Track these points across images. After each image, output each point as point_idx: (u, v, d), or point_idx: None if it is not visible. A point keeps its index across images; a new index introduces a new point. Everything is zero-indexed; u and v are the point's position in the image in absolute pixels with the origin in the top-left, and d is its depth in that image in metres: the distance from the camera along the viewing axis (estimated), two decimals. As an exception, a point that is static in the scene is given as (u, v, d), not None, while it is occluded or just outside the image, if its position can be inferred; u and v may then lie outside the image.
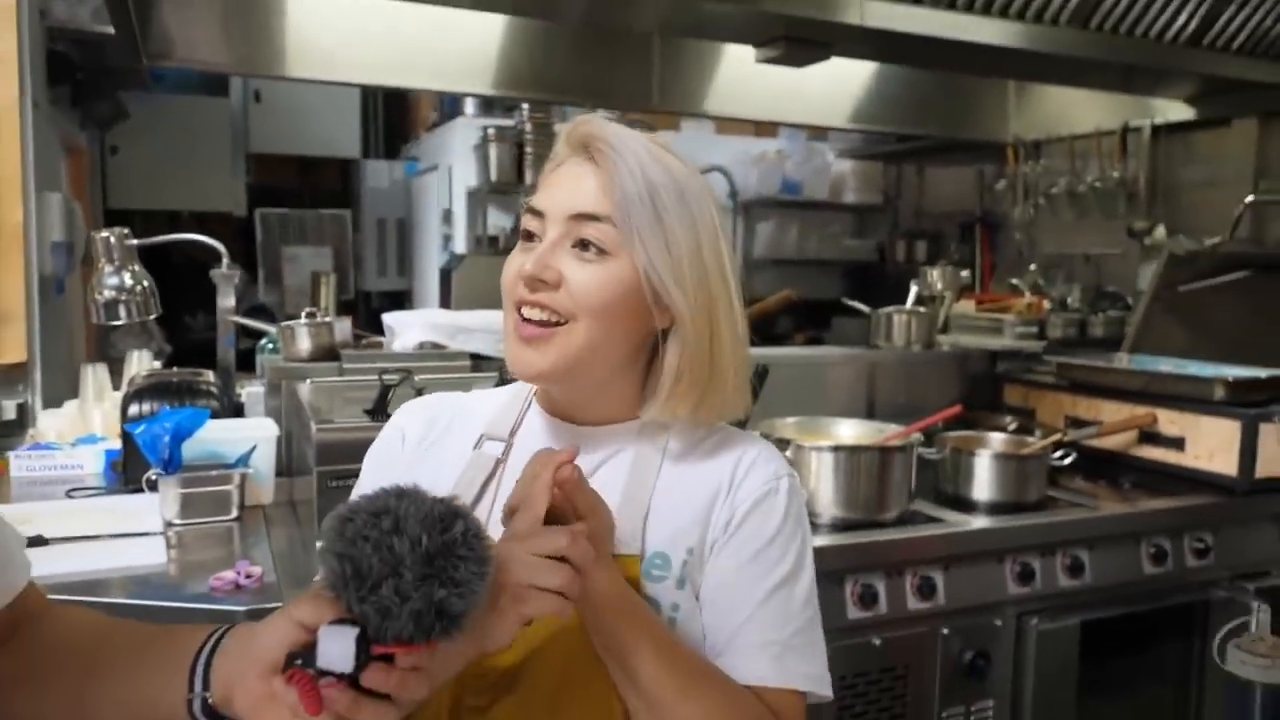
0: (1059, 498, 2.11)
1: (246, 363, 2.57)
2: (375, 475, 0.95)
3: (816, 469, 1.86)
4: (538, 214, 0.86)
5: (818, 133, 5.12)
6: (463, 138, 4.59)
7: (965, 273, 3.68)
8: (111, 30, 3.29)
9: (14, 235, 3.16)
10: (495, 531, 0.82)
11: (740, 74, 3.13)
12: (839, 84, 3.37)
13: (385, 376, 1.70)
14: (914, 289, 3.07)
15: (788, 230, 5.26)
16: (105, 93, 4.32)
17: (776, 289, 4.73)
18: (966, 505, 2.02)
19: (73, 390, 2.51)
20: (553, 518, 0.76)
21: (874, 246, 5.42)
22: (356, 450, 1.02)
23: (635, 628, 0.80)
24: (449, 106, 4.75)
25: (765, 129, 5.14)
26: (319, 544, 0.67)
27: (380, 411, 1.68)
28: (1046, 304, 3.15)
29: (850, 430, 2.07)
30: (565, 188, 0.86)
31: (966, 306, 3.18)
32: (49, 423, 2.22)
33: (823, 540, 1.77)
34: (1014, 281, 3.42)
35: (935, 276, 3.17)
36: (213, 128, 5.07)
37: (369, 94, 5.24)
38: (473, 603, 0.64)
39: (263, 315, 5.22)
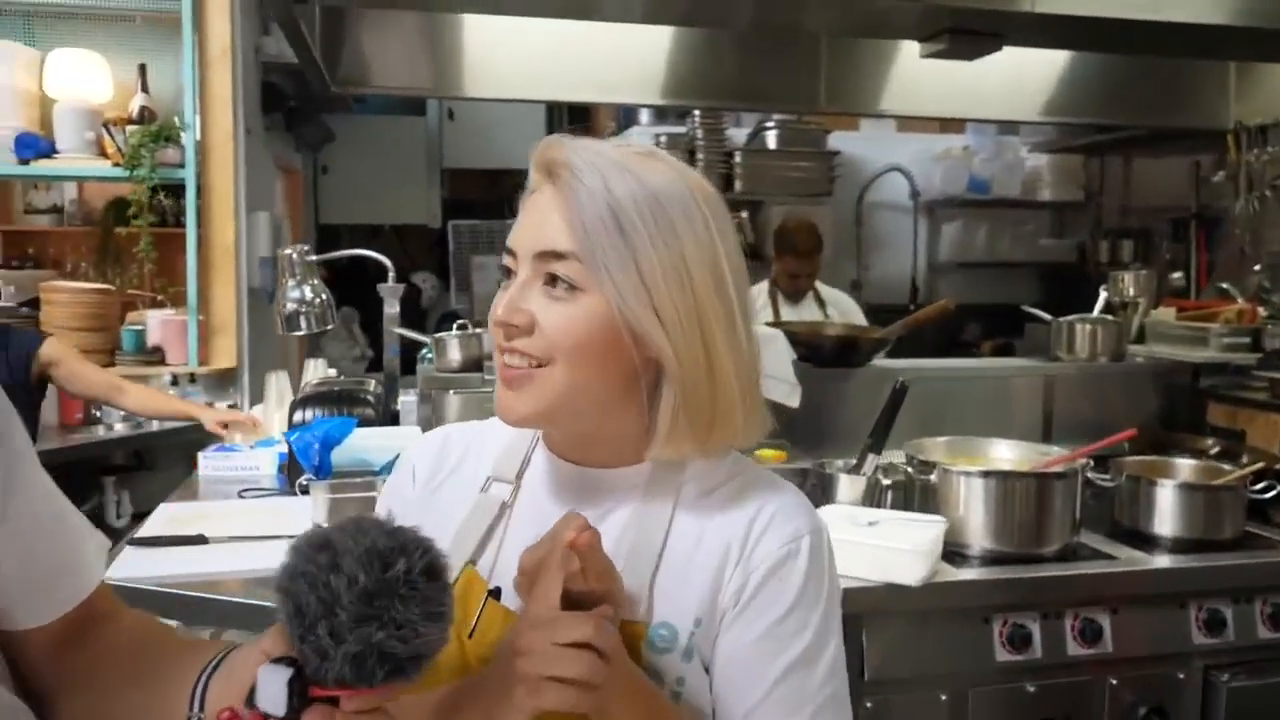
0: (1262, 535, 1.86)
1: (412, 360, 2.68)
2: (387, 512, 0.94)
3: (965, 496, 1.71)
4: (511, 253, 0.81)
5: (1008, 127, 4.80)
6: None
7: (1177, 275, 3.33)
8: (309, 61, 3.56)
9: (226, 252, 3.50)
10: (503, 580, 0.80)
11: (917, 70, 2.96)
12: (1028, 74, 3.14)
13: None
14: (1103, 295, 2.80)
15: (975, 231, 4.96)
16: (313, 117, 4.69)
17: (963, 294, 4.50)
18: (1144, 541, 1.80)
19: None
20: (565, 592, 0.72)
21: (1073, 247, 5.02)
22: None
23: (642, 711, 0.74)
24: (626, 116, 4.81)
25: (951, 124, 4.88)
26: None
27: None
28: (1262, 311, 2.79)
29: (1009, 453, 1.90)
30: (532, 222, 0.79)
31: (1165, 314, 2.87)
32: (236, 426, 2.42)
33: (970, 574, 1.64)
34: (1223, 285, 3.05)
35: (1127, 281, 2.88)
36: (411, 145, 5.40)
37: (554, 108, 5.40)
38: (420, 646, 0.59)
39: (455, 322, 5.52)
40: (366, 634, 0.57)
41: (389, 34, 2.73)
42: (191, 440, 2.97)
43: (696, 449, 0.81)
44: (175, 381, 3.43)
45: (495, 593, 0.80)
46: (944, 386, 1.83)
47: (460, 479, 0.90)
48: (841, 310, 3.47)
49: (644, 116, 4.72)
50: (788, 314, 3.43)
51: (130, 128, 3.39)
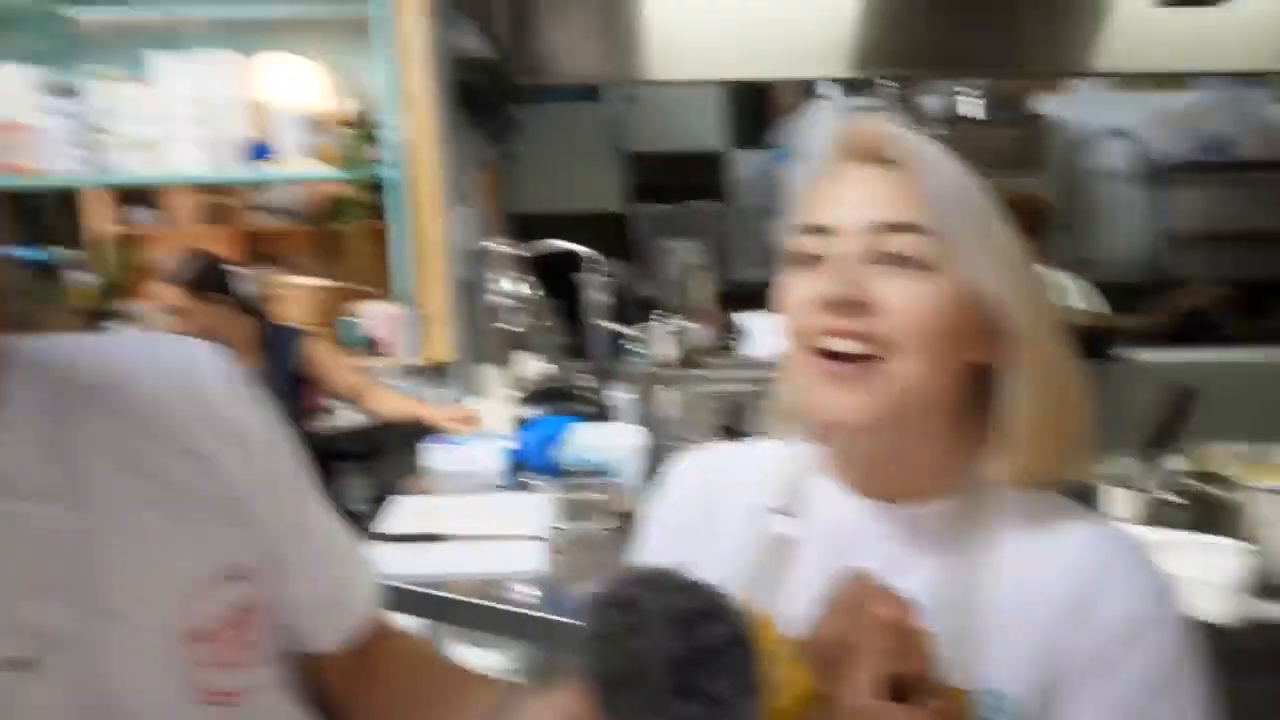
0: None
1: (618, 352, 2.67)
2: (656, 542, 0.86)
3: (1270, 517, 1.49)
4: (823, 230, 0.71)
5: (1252, 79, 4.30)
6: (818, 120, 4.47)
7: None
8: (498, 54, 3.63)
9: (435, 246, 3.62)
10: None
11: (1138, 21, 2.70)
12: (1268, 19, 2.80)
13: (736, 391, 1.69)
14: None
15: (1221, 198, 4.44)
16: (500, 109, 4.80)
17: (1206, 271, 4.02)
18: None
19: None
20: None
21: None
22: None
23: None
24: (810, 90, 4.67)
25: (1166, 80, 4.41)
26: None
27: (735, 431, 1.66)
28: None
29: (1321, 464, 1.66)
30: (855, 196, 0.71)
31: None
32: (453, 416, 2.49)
33: (1280, 611, 1.43)
34: None
35: None
36: (595, 132, 5.43)
37: (737, 87, 5.31)
38: None
39: (646, 308, 5.55)
40: (675, 709, 0.54)
41: (570, 21, 2.73)
42: (414, 430, 3.11)
43: (1038, 469, 0.71)
44: (394, 374, 3.60)
45: None
46: (1199, 381, 1.61)
47: (733, 511, 0.82)
48: (1071, 294, 3.20)
49: (829, 90, 4.56)
50: None
51: (341, 129, 3.56)
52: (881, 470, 0.75)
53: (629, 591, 0.57)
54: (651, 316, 2.42)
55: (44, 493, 0.58)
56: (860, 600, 0.62)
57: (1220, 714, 0.70)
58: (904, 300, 0.68)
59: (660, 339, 2.13)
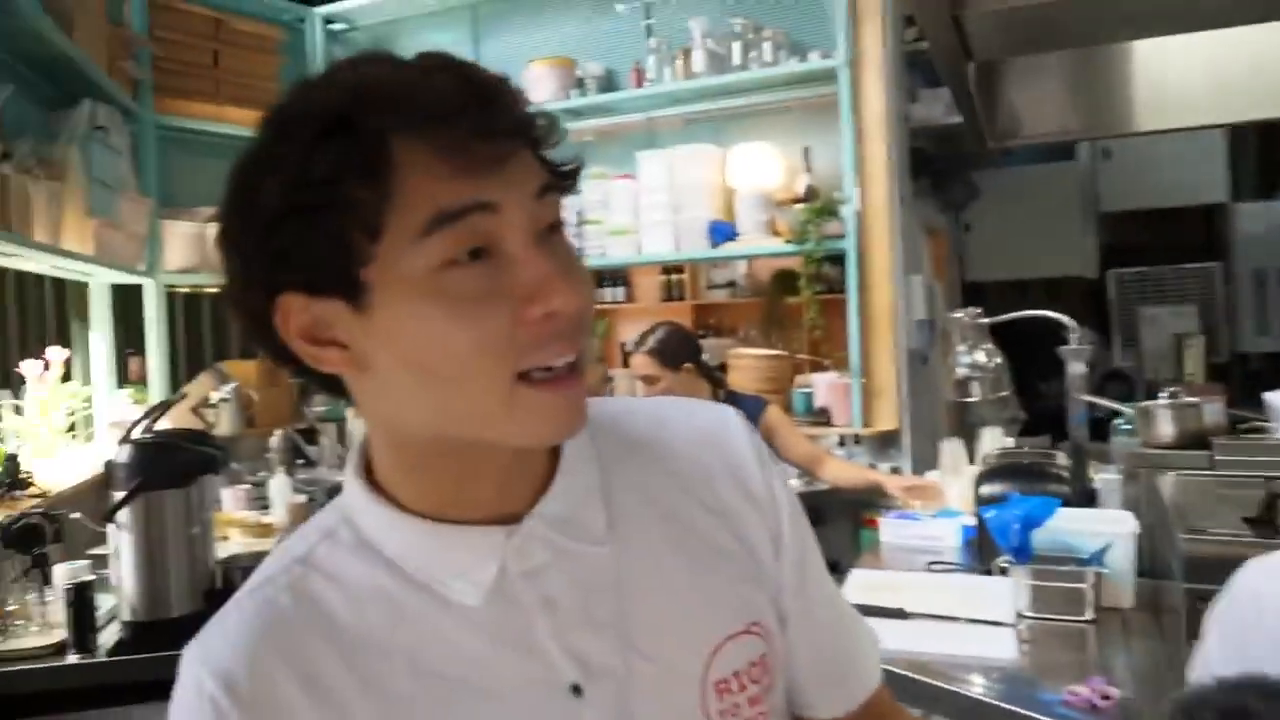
0: None
1: (1099, 432, 2.43)
2: (1228, 649, 0.75)
3: None
4: None
5: None
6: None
7: None
8: (959, 120, 3.51)
9: (884, 316, 3.60)
10: None
11: None
12: None
13: (1273, 480, 1.41)
14: None
15: None
16: (959, 176, 4.67)
17: None
18: None
19: (934, 458, 2.70)
20: None
21: None
22: (1230, 565, 0.84)
23: None
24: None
25: None
26: None
27: (1269, 522, 1.39)
28: None
29: None
30: None
31: None
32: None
33: None
34: None
35: None
36: (1060, 192, 5.06)
37: (1237, 132, 4.63)
38: None
39: (1119, 381, 4.98)
40: None
41: (1042, 79, 2.56)
42: (857, 500, 3.07)
43: None
44: (841, 442, 3.60)
45: None
46: None
47: None
48: None
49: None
50: None
51: (796, 206, 3.70)
52: None
53: (1239, 699, 0.51)
54: (1130, 391, 2.15)
55: (597, 536, 0.62)
56: None
57: None
58: None
59: (1159, 418, 1.87)
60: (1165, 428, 1.84)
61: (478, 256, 0.53)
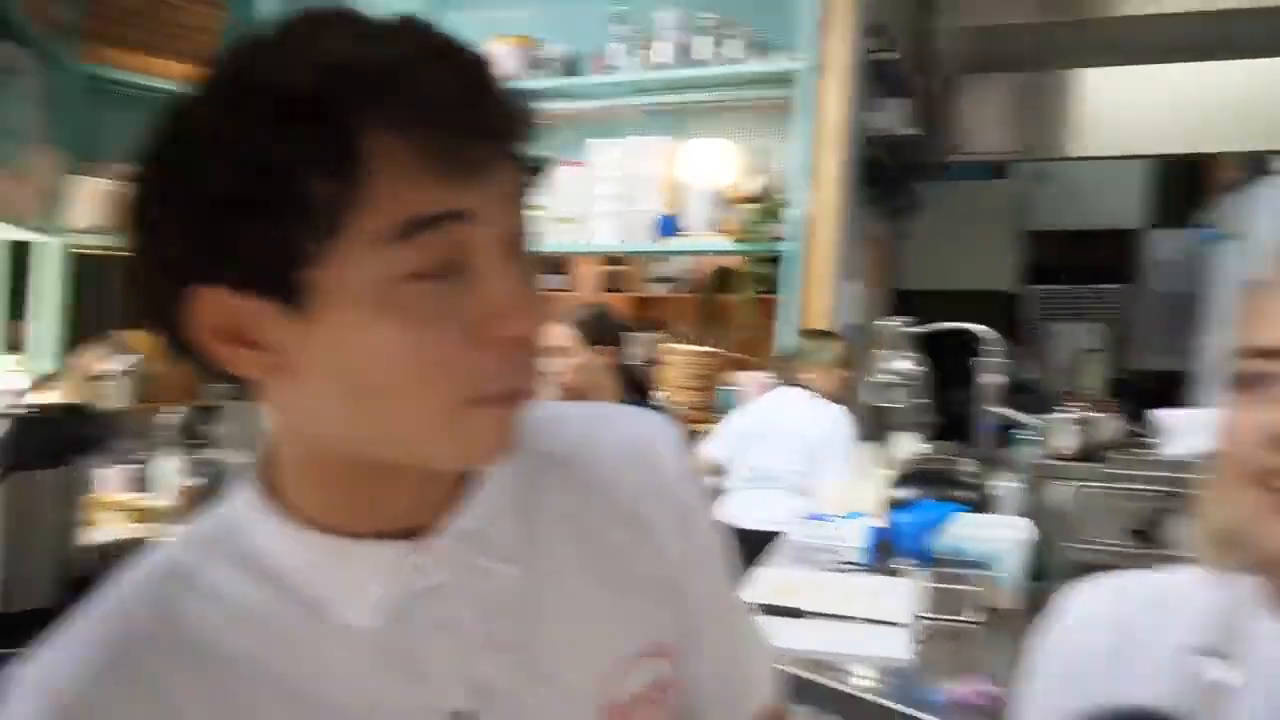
0: None
1: (1001, 440, 2.51)
2: (1049, 676, 0.76)
3: None
4: (1273, 354, 0.62)
5: None
6: (1268, 200, 3.88)
7: None
8: (916, 132, 3.58)
9: (820, 319, 3.65)
10: None
11: None
12: None
13: (1155, 495, 1.48)
14: None
15: None
16: (906, 187, 4.75)
17: None
18: None
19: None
20: None
21: None
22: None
23: None
24: (1253, 166, 4.08)
25: None
26: None
27: (1149, 536, 1.46)
28: None
29: None
30: None
31: None
32: (825, 493, 2.46)
33: None
34: None
35: None
36: (993, 209, 5.20)
37: (1155, 163, 4.82)
38: None
39: (1025, 393, 5.13)
40: None
41: (990, 99, 2.64)
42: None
43: None
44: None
45: None
46: None
47: (1147, 646, 0.72)
48: None
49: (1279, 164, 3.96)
50: None
51: (746, 205, 3.73)
52: None
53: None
54: (1036, 402, 2.23)
55: (507, 553, 0.58)
56: None
57: None
58: None
59: (1062, 431, 1.94)
60: (1065, 440, 1.92)
61: (444, 269, 0.48)
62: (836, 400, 2.98)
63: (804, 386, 3.13)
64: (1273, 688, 0.65)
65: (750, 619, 0.78)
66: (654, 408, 2.71)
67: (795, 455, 2.97)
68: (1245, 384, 0.64)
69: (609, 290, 4.89)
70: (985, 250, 5.24)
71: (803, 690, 1.49)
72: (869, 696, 1.39)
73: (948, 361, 3.06)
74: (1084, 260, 5.40)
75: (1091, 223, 4.92)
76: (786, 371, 3.21)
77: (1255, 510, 0.62)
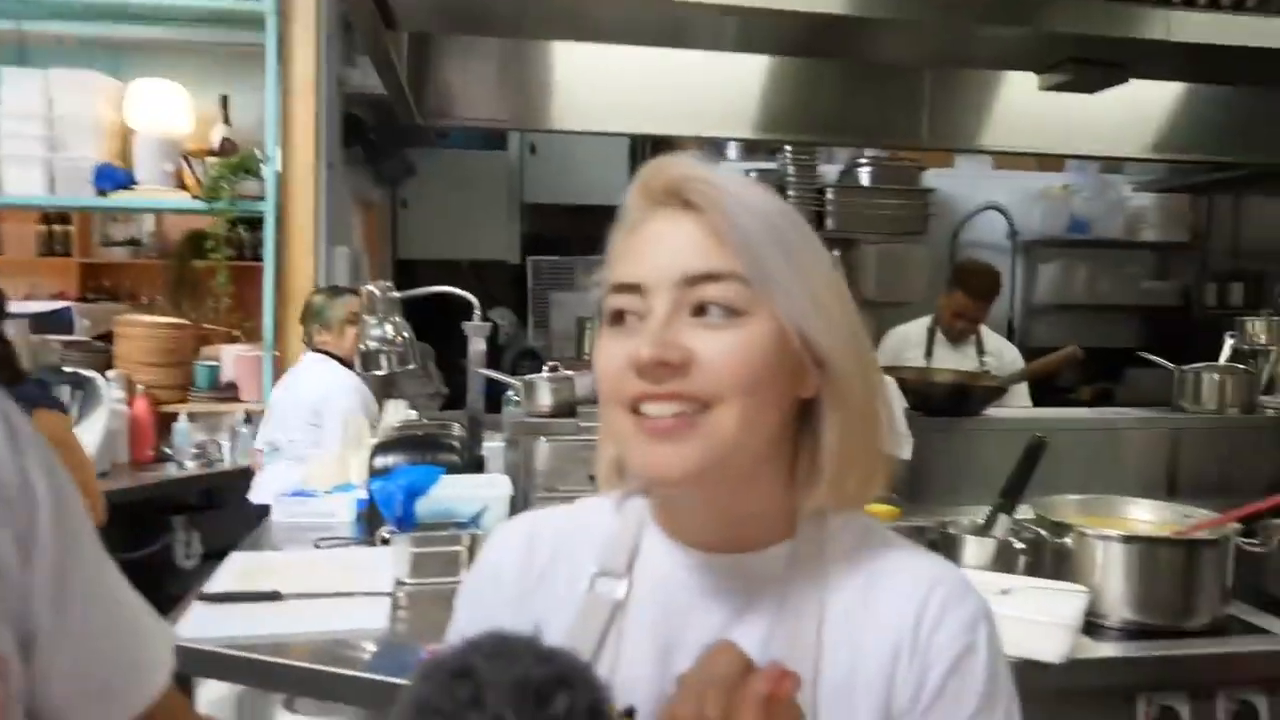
0: None
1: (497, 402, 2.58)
2: (470, 622, 0.78)
3: (1103, 563, 1.54)
4: (632, 288, 0.68)
5: (1111, 165, 4.59)
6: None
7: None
8: (392, 93, 3.48)
9: (304, 287, 3.46)
10: (624, 697, 0.67)
11: (1022, 104, 2.83)
12: (1138, 108, 2.95)
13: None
14: (1229, 342, 2.61)
15: (1075, 273, 4.75)
16: (395, 151, 4.68)
17: (1060, 337, 4.28)
18: (1301, 614, 1.61)
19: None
20: None
21: (1178, 290, 4.78)
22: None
23: None
24: (712, 151, 4.73)
25: (1049, 162, 4.69)
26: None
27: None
28: None
29: (1147, 514, 1.73)
30: (663, 248, 0.68)
31: (1298, 363, 2.66)
32: (314, 469, 2.33)
33: (1110, 650, 1.48)
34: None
35: (1258, 328, 2.68)
36: (492, 180, 5.36)
37: (637, 142, 5.33)
38: None
39: (531, 359, 5.42)
40: None
41: (475, 64, 2.66)
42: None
43: (853, 498, 0.71)
44: (249, 419, 3.38)
45: (630, 713, 0.65)
46: (1058, 437, 1.70)
47: (557, 577, 0.77)
48: (1003, 361, 3.26)
49: (732, 151, 4.62)
50: (944, 356, 3.25)
51: (210, 160, 3.39)
52: (713, 521, 0.72)
53: (466, 659, 0.50)
54: (540, 368, 2.33)
55: None
56: (731, 675, 0.58)
57: None
58: (722, 354, 0.65)
59: (539, 389, 2.03)
60: (545, 398, 2.02)
61: None
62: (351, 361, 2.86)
63: (321, 350, 2.97)
64: (658, 596, 0.72)
65: (131, 602, 0.69)
66: (37, 384, 2.38)
67: (301, 426, 2.84)
68: (612, 318, 0.69)
69: (50, 254, 4.16)
70: (487, 221, 5.40)
71: (276, 677, 1.39)
72: (348, 671, 1.33)
73: (453, 332, 3.08)
74: (579, 232, 5.82)
75: (584, 198, 5.28)
76: (308, 335, 3.03)
77: (630, 434, 0.67)
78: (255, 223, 3.48)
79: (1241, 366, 2.53)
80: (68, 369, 3.01)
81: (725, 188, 0.67)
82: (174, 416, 3.31)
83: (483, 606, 0.78)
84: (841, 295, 0.70)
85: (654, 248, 0.68)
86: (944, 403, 2.25)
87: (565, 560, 0.77)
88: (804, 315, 0.66)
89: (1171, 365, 2.56)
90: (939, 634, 0.69)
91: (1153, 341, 3.35)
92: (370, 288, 2.39)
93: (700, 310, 0.66)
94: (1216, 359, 2.57)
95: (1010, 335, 4.69)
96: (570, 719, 0.48)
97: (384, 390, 3.14)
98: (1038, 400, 3.17)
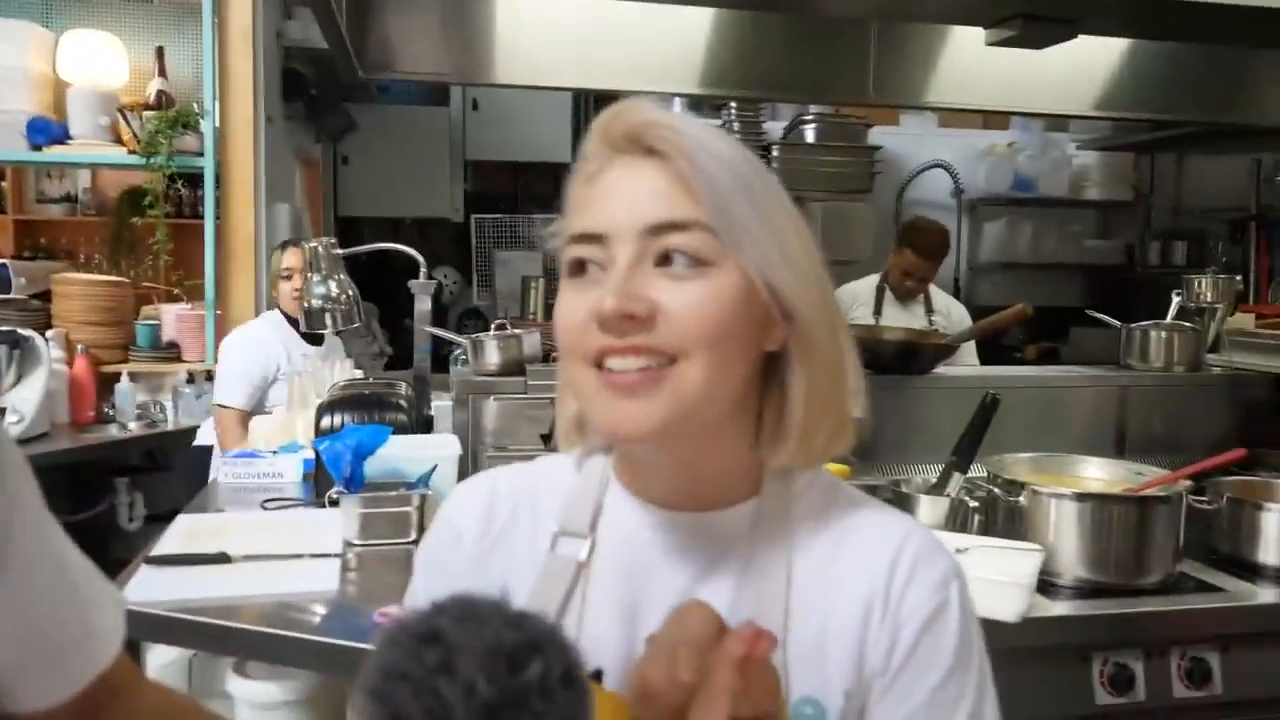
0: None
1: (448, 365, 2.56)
2: (430, 584, 0.77)
3: (1056, 521, 1.56)
4: (593, 238, 0.65)
5: (1056, 123, 4.63)
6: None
7: (1238, 279, 3.17)
8: (331, 46, 3.38)
9: (246, 244, 3.37)
10: (590, 656, 0.66)
11: (967, 60, 2.82)
12: (1083, 66, 2.96)
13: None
14: (1176, 300, 2.64)
15: (1020, 231, 4.80)
16: (335, 106, 4.56)
17: (1005, 295, 4.35)
18: (1251, 570, 1.64)
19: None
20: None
21: (1121, 249, 4.86)
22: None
23: None
24: (666, 105, 4.68)
25: (994, 120, 4.72)
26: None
27: (553, 438, 1.56)
28: (1349, 319, 2.64)
29: (1099, 472, 1.75)
30: (624, 196, 0.65)
31: (1244, 321, 2.71)
32: (259, 428, 2.28)
33: (1064, 608, 1.49)
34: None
35: (1204, 285, 2.72)
36: (434, 137, 5.24)
37: (580, 98, 5.24)
38: None
39: (476, 318, 5.36)
40: None
41: (417, 17, 2.58)
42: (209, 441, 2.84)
43: (819, 454, 0.69)
44: (191, 379, 3.30)
45: (597, 675, 0.64)
46: (1002, 397, 1.72)
47: (518, 536, 0.74)
48: (951, 320, 3.29)
49: (676, 107, 4.58)
50: (892, 315, 3.26)
51: (147, 113, 3.27)
52: (677, 478, 0.70)
53: (433, 623, 0.48)
54: (487, 326, 2.30)
55: None
56: (703, 636, 0.57)
57: (999, 701, 0.71)
58: (688, 305, 0.63)
59: (487, 348, 2.00)
60: (492, 357, 1.99)
61: None
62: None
63: (278, 308, 2.91)
64: (622, 556, 0.70)
65: (79, 565, 0.67)
66: None
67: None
68: (572, 268, 0.66)
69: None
70: (430, 178, 5.29)
71: (229, 640, 1.36)
72: (299, 634, 1.31)
73: (399, 291, 3.03)
74: (523, 190, 5.73)
75: (527, 155, 5.20)
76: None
77: (593, 390, 0.64)
78: (194, 178, 3.37)
79: (1188, 324, 2.55)
80: (5, 328, 2.92)
81: (690, 133, 0.65)
82: (115, 377, 3.22)
83: (443, 567, 0.76)
84: (808, 246, 0.68)
85: (615, 196, 0.66)
86: (893, 361, 2.26)
87: (526, 519, 0.75)
88: (771, 265, 0.64)
89: (1119, 324, 2.58)
90: (910, 593, 0.68)
91: (1097, 300, 3.42)
92: (314, 244, 2.33)
93: (665, 260, 0.63)
94: (1160, 317, 2.58)
95: (956, 294, 4.76)
96: (544, 685, 0.46)
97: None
98: (984, 359, 3.22)
